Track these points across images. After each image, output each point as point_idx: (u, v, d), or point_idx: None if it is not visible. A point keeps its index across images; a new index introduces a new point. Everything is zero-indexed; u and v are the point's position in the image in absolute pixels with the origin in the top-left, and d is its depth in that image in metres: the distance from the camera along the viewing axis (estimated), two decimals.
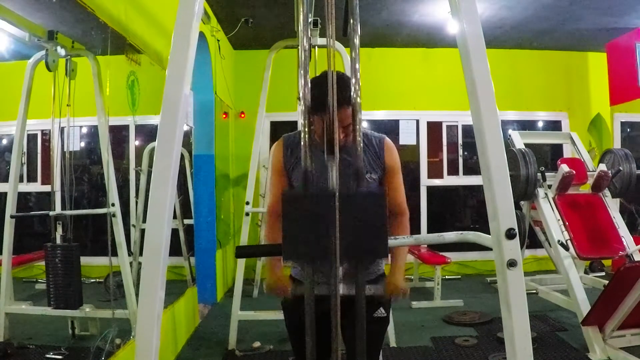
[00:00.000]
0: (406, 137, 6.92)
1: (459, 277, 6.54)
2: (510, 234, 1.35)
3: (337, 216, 1.39)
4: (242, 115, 6.66)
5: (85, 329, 3.09)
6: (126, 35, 3.18)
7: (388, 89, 6.72)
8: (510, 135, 5.13)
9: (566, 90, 7.10)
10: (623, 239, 4.30)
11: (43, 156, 3.32)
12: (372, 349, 1.95)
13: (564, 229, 4.31)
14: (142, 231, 3.32)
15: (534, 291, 4.98)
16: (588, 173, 4.86)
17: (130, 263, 3.34)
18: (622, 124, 6.47)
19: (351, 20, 1.57)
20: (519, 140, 5.03)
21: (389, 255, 2.02)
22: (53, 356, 2.79)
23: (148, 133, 4.13)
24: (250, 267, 5.59)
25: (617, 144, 6.29)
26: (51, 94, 2.85)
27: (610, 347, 3.61)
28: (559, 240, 4.16)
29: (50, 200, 3.06)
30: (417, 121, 6.97)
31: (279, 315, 2.09)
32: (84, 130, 3.57)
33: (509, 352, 1.38)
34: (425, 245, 5.79)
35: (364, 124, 6.24)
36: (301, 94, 1.64)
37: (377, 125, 6.84)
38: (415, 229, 6.77)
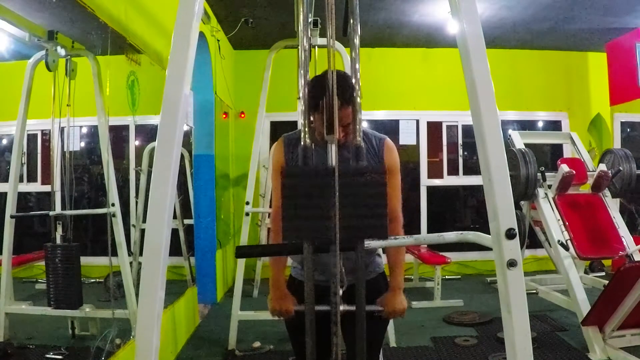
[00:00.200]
0: (406, 137, 6.92)
1: (459, 277, 6.54)
2: (510, 234, 1.35)
3: (336, 192, 1.39)
4: (242, 115, 6.66)
5: (85, 329, 3.09)
6: (126, 35, 3.18)
7: (388, 89, 6.72)
8: (510, 135, 5.13)
9: (566, 90, 7.10)
10: (623, 239, 4.30)
11: (43, 156, 3.31)
12: (373, 348, 1.94)
13: (564, 229, 4.31)
14: (142, 231, 3.32)
15: (534, 291, 4.98)
16: (588, 173, 4.86)
17: (130, 263, 3.34)
18: (622, 124, 6.47)
19: (351, 20, 1.57)
20: (519, 140, 5.03)
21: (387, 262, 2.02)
22: (53, 356, 2.79)
23: (148, 133, 4.13)
24: (250, 267, 5.59)
25: (617, 144, 6.29)
26: (51, 94, 2.85)
27: (610, 347, 3.61)
28: (559, 240, 4.16)
29: (50, 200, 3.05)
30: (417, 121, 6.97)
31: None
32: (84, 130, 3.57)
33: (509, 352, 1.38)
34: (425, 245, 5.79)
35: (364, 124, 6.25)
36: (301, 94, 1.64)
37: (377, 125, 6.84)
38: (415, 229, 6.77)
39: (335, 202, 1.39)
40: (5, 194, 2.79)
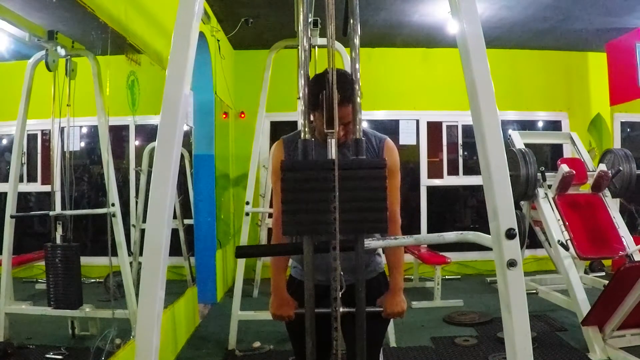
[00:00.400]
0: (406, 137, 6.91)
1: (459, 277, 6.54)
2: (510, 234, 1.35)
3: (336, 186, 1.39)
4: (242, 115, 6.66)
5: (85, 329, 3.09)
6: (126, 35, 3.18)
7: (388, 89, 6.72)
8: (510, 135, 5.13)
9: (566, 90, 7.10)
10: (623, 239, 4.30)
11: (43, 156, 3.31)
12: (373, 346, 1.94)
13: (564, 229, 4.31)
14: (142, 231, 3.32)
15: (534, 291, 4.98)
16: (588, 173, 4.86)
17: (130, 263, 3.34)
18: (622, 124, 6.47)
19: (351, 20, 1.57)
20: (519, 140, 5.03)
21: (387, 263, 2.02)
22: (53, 356, 2.79)
23: (148, 133, 4.13)
24: (250, 267, 5.58)
25: (617, 144, 6.29)
26: (51, 94, 2.85)
27: (610, 347, 3.61)
28: (559, 240, 4.16)
29: (50, 200, 3.05)
30: (417, 121, 6.97)
31: None
32: (84, 130, 3.57)
33: (509, 352, 1.38)
34: (425, 245, 5.78)
35: (364, 124, 6.24)
36: (301, 94, 1.64)
37: (377, 125, 6.84)
38: (415, 229, 6.77)
39: (335, 196, 1.39)
40: (5, 194, 2.79)
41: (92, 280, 3.39)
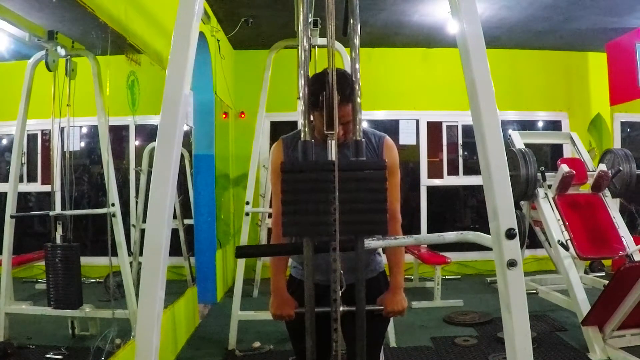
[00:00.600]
0: (406, 137, 6.92)
1: (459, 277, 6.54)
2: (510, 234, 1.35)
3: (336, 187, 1.39)
4: (242, 115, 6.66)
5: (85, 329, 3.09)
6: (126, 35, 3.18)
7: (388, 89, 6.72)
8: (510, 135, 5.13)
9: (566, 90, 7.10)
10: (623, 239, 4.29)
11: (43, 156, 3.31)
12: (373, 346, 1.94)
13: (564, 229, 4.31)
14: (142, 231, 3.32)
15: (534, 291, 4.98)
16: (588, 173, 4.86)
17: (130, 263, 3.34)
18: (622, 124, 6.47)
19: (351, 20, 1.57)
20: (519, 140, 5.03)
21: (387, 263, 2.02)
22: (53, 356, 2.79)
23: (148, 133, 4.13)
24: (250, 267, 5.58)
25: (617, 144, 6.29)
26: (51, 94, 2.85)
27: (610, 347, 3.61)
28: (559, 240, 4.16)
29: (50, 200, 3.05)
30: (417, 121, 6.97)
31: None
32: (84, 130, 3.57)
33: (509, 352, 1.38)
34: (425, 245, 5.78)
35: (364, 124, 6.24)
36: (301, 94, 1.64)
37: (377, 125, 6.83)
38: (415, 229, 6.77)
39: (335, 197, 1.39)
40: (5, 194, 2.79)
41: (92, 280, 3.39)
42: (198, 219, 5.20)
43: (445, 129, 7.01)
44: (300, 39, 1.89)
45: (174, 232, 3.64)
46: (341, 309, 1.47)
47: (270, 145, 6.46)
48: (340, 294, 1.46)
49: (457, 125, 6.99)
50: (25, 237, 3.15)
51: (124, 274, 3.19)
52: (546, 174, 4.58)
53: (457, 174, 7.02)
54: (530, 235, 5.13)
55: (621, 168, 4.62)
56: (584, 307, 3.84)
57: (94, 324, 3.08)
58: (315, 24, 3.80)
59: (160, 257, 1.35)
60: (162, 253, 1.35)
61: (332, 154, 1.50)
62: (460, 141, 7.00)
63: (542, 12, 5.53)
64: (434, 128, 7.00)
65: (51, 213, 3.01)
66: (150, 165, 3.46)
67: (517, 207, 4.91)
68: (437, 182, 7.03)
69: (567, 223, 4.32)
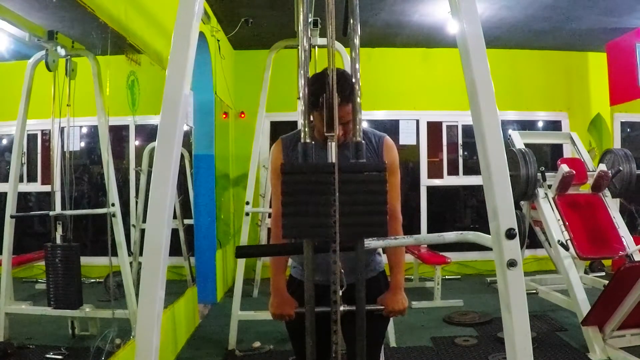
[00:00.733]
0: (406, 137, 6.92)
1: (459, 277, 6.54)
2: (510, 234, 1.35)
3: (336, 189, 1.39)
4: (242, 115, 6.66)
5: (85, 329, 3.09)
6: (126, 35, 3.18)
7: (388, 89, 6.72)
8: (510, 135, 5.13)
9: (566, 90, 7.10)
10: (623, 239, 4.29)
11: (43, 156, 3.31)
12: (373, 346, 1.94)
13: (564, 229, 4.31)
14: (142, 231, 3.32)
15: (534, 291, 4.98)
16: (588, 173, 4.86)
17: (130, 263, 3.34)
18: (622, 124, 6.47)
19: (351, 20, 1.57)
20: (519, 140, 5.03)
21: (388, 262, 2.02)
22: (53, 356, 2.79)
23: (148, 133, 4.13)
24: (250, 267, 5.58)
25: (617, 144, 6.29)
26: (51, 94, 2.85)
27: (610, 347, 3.61)
28: (559, 240, 4.16)
29: (50, 200, 3.05)
30: (417, 121, 6.97)
31: None
32: (84, 130, 3.57)
33: (509, 352, 1.38)
34: (425, 245, 5.78)
35: (364, 124, 6.24)
36: (301, 94, 1.64)
37: (377, 125, 6.83)
38: (415, 229, 6.77)
39: (335, 199, 1.39)
40: (5, 194, 2.79)
41: (92, 280, 3.39)
42: (198, 219, 5.20)
43: (445, 129, 7.01)
44: (300, 39, 1.89)
45: (174, 232, 3.64)
46: (341, 309, 1.47)
47: (270, 145, 6.46)
48: (340, 294, 1.46)
49: (457, 125, 6.99)
50: (25, 237, 3.15)
51: (124, 274, 3.19)
52: (546, 174, 4.58)
53: (457, 174, 7.02)
54: (530, 235, 5.13)
55: (621, 168, 4.62)
56: (584, 307, 3.84)
57: (94, 324, 3.08)
58: (315, 24, 3.80)
59: (160, 257, 1.35)
60: (162, 253, 1.35)
61: (332, 155, 1.50)
62: (460, 141, 7.00)
63: (542, 12, 5.53)
64: (434, 128, 7.00)
65: (51, 213, 3.01)
66: (150, 165, 3.46)
67: (517, 207, 4.91)
68: (437, 182, 7.03)
69: (567, 223, 4.32)
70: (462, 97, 1.62)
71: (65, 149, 3.05)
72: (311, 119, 1.75)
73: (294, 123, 5.76)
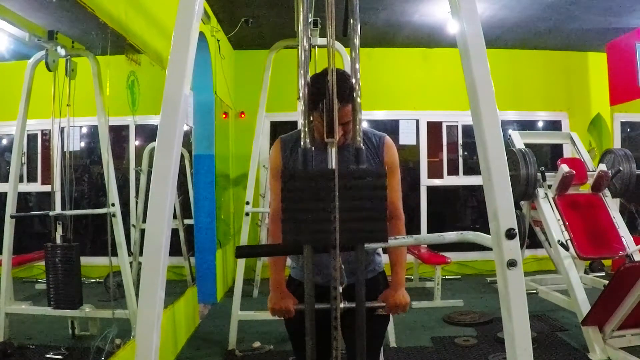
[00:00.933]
0: (406, 137, 6.92)
1: (459, 277, 6.54)
2: (510, 234, 1.35)
3: (336, 194, 1.39)
4: (242, 115, 6.66)
5: (85, 329, 3.09)
6: (126, 35, 3.18)
7: (388, 89, 6.72)
8: (510, 135, 5.13)
9: (566, 90, 7.10)
10: (623, 239, 4.30)
11: (43, 156, 3.31)
12: (373, 348, 1.94)
13: (564, 229, 4.31)
14: (142, 231, 3.32)
15: (534, 291, 4.98)
16: (588, 173, 4.86)
17: (130, 263, 3.34)
18: (622, 124, 6.47)
19: (351, 20, 1.57)
20: (519, 140, 5.03)
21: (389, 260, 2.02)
22: (53, 356, 2.79)
23: (148, 133, 4.13)
24: (250, 267, 5.59)
25: (617, 144, 6.29)
26: (51, 94, 2.85)
27: (610, 347, 3.61)
28: (559, 240, 4.16)
29: (50, 200, 3.05)
30: (417, 121, 6.97)
31: None
32: (84, 130, 3.57)
33: (509, 352, 1.38)
34: (425, 245, 5.79)
35: (364, 124, 6.24)
36: (301, 94, 1.64)
37: (377, 125, 6.83)
38: (415, 229, 6.77)
39: (336, 206, 1.39)
40: (5, 194, 2.79)
41: (92, 280, 3.39)
42: (198, 219, 5.20)
43: (445, 129, 7.01)
44: (300, 39, 1.89)
45: (174, 232, 3.64)
46: (341, 305, 1.47)
47: (270, 145, 6.47)
48: (340, 290, 1.46)
49: (457, 125, 6.99)
50: (25, 237, 3.15)
51: (124, 274, 3.19)
52: (546, 174, 4.58)
53: (457, 174, 7.02)
54: (530, 235, 5.13)
55: (621, 168, 4.62)
56: (584, 307, 3.84)
57: (94, 324, 3.08)
58: (315, 24, 3.80)
59: (160, 257, 1.35)
60: (162, 253, 1.35)
61: (333, 161, 1.50)
62: (460, 141, 7.00)
63: (542, 12, 5.53)
64: (434, 128, 7.00)
65: (51, 213, 3.01)
66: (150, 165, 3.46)
67: (517, 207, 4.91)
68: (437, 182, 7.03)
69: (567, 223, 4.32)
70: (462, 97, 1.62)
71: (65, 149, 3.05)
72: (311, 118, 1.75)
73: (294, 123, 5.76)
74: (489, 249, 1.44)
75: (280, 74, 4.97)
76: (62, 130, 2.98)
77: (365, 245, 1.54)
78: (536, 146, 5.72)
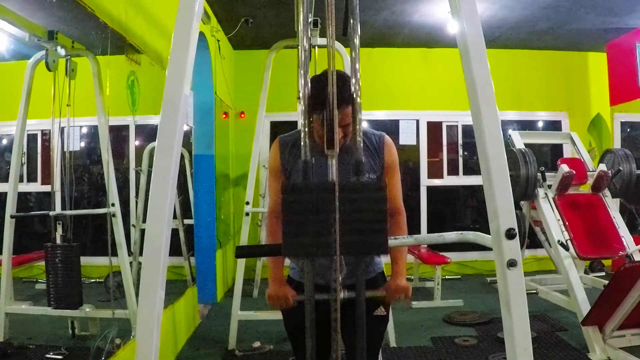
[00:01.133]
0: (406, 137, 6.91)
1: (459, 277, 6.54)
2: (510, 234, 1.35)
3: (337, 207, 1.39)
4: (242, 115, 6.66)
5: (85, 329, 3.09)
6: (126, 35, 3.18)
7: (388, 89, 6.72)
8: (510, 135, 5.13)
9: (566, 90, 7.10)
10: (623, 239, 4.30)
11: (43, 156, 3.31)
12: (372, 349, 1.94)
13: (564, 229, 4.31)
14: (142, 231, 3.32)
15: (534, 291, 4.98)
16: (588, 173, 4.86)
17: (130, 263, 3.34)
18: (622, 124, 6.47)
19: (351, 20, 1.57)
20: (519, 140, 5.03)
21: (389, 255, 2.03)
22: (53, 356, 2.79)
23: (148, 133, 4.13)
24: (250, 267, 5.58)
25: (617, 144, 6.29)
26: (51, 94, 2.85)
27: (610, 347, 3.61)
28: (559, 240, 4.16)
29: (50, 200, 3.05)
30: (417, 121, 6.96)
31: (279, 315, 2.09)
32: (84, 130, 3.57)
33: (509, 352, 1.38)
34: (425, 245, 5.78)
35: (364, 124, 6.24)
36: (301, 94, 1.64)
37: (377, 125, 6.83)
38: (415, 229, 6.77)
39: (336, 218, 1.39)
40: (5, 194, 2.79)
41: (92, 280, 3.39)
42: (198, 219, 5.20)
43: (445, 129, 7.00)
44: (300, 39, 1.89)
45: (174, 232, 3.64)
46: (341, 295, 1.47)
47: (270, 145, 6.48)
48: (340, 280, 1.47)
49: (457, 125, 6.99)
50: (25, 237, 3.15)
51: (124, 274, 3.19)
52: (546, 174, 4.58)
53: (457, 174, 7.02)
54: (530, 235, 5.13)
55: (621, 168, 4.62)
56: (584, 307, 3.84)
57: (94, 324, 3.08)
58: (315, 24, 3.80)
59: (160, 257, 1.35)
60: (162, 253, 1.35)
61: (333, 172, 1.50)
62: (460, 141, 7.00)
63: (542, 12, 5.53)
64: (434, 128, 7.00)
65: (51, 213, 3.01)
66: (150, 165, 3.46)
67: (517, 207, 4.91)
68: (437, 182, 7.02)
69: (567, 223, 4.32)
70: (462, 97, 1.62)
71: (65, 149, 3.05)
72: (311, 119, 1.76)
73: (294, 123, 5.76)
74: (489, 249, 1.44)
75: (280, 74, 4.96)
76: (62, 130, 2.98)
77: None
78: (536, 146, 5.73)
